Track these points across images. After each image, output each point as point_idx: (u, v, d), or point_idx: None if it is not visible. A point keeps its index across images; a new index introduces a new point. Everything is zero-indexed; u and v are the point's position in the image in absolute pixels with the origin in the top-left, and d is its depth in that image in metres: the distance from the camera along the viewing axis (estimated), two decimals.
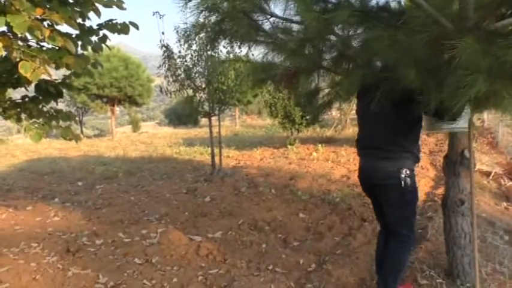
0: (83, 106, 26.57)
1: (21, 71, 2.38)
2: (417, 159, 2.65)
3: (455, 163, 2.83)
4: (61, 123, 3.67)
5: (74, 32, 3.14)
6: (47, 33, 2.37)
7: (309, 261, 3.70)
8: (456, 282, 2.84)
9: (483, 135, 11.21)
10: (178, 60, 7.50)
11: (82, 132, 26.32)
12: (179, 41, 7.45)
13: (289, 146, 11.29)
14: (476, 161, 7.58)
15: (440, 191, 5.67)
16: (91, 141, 21.53)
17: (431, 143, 10.40)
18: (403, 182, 2.53)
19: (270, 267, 3.59)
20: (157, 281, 3.35)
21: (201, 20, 3.31)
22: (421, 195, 5.68)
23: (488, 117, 14.44)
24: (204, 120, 28.63)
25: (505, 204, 5.81)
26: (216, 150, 8.24)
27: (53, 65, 2.78)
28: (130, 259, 3.77)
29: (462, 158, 2.79)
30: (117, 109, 26.18)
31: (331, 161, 8.97)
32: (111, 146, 16.63)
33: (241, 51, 6.60)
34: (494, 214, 5.05)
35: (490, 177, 6.92)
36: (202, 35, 6.66)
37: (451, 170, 2.86)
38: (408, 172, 2.53)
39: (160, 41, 7.39)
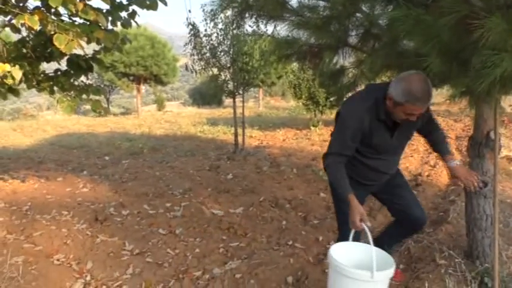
0: (110, 84, 27.04)
1: (56, 43, 2.48)
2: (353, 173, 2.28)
3: (479, 145, 2.80)
4: (91, 96, 3.81)
5: (105, 7, 3.23)
6: (80, 6, 2.46)
7: (328, 239, 3.76)
8: (475, 263, 2.85)
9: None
10: (204, 38, 7.54)
11: (108, 111, 26.79)
12: (205, 19, 7.47)
13: (312, 128, 11.26)
14: (504, 147, 7.40)
15: None
16: (117, 118, 21.99)
17: (458, 128, 10.17)
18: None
19: (290, 242, 3.67)
20: (181, 250, 3.50)
21: None
22: (445, 180, 5.63)
23: None
24: (227, 101, 28.72)
25: None
26: (239, 130, 8.32)
27: (85, 39, 2.87)
28: (155, 229, 3.92)
29: (487, 139, 2.75)
30: (143, 88, 26.55)
31: None
32: (137, 124, 16.96)
33: (266, 30, 6.59)
34: None
35: None
36: (228, 13, 6.72)
37: (476, 152, 2.83)
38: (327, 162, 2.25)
39: (187, 18, 7.44)
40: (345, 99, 2.69)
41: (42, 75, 3.78)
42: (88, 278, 2.95)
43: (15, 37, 3.85)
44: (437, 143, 2.49)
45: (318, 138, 9.77)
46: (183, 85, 77.08)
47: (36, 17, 2.48)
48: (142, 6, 3.42)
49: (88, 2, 3.00)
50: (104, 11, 3.29)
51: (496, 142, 2.58)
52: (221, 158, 7.66)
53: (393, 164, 2.44)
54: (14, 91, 3.68)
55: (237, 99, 8.15)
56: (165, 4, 3.45)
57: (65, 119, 20.93)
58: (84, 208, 4.43)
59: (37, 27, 2.50)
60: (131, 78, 23.43)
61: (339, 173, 2.15)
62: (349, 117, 2.12)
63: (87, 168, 6.88)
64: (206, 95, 32.97)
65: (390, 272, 1.89)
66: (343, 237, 2.31)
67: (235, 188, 5.36)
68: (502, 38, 1.71)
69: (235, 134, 8.26)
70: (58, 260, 3.22)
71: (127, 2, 3.47)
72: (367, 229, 1.98)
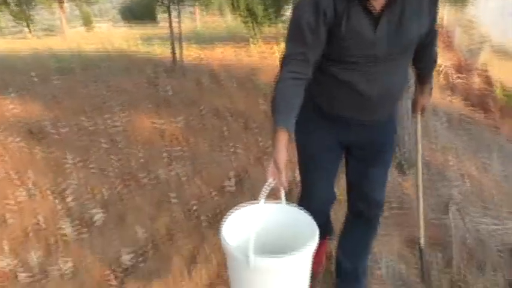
0: None
1: None
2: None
3: None
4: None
5: None
6: None
7: (267, 143, 3.97)
8: (395, 151, 3.23)
9: (441, 33, 11.50)
10: None
11: (30, 32, 24.25)
12: None
13: (250, 40, 11.17)
14: None
15: None
16: (40, 40, 20.16)
17: None
18: None
19: (231, 146, 3.85)
20: (124, 159, 3.56)
21: None
22: None
23: (448, 19, 14.65)
24: (161, 17, 27.11)
25: (449, 98, 6.32)
26: (177, 46, 8.06)
27: None
28: (96, 141, 3.91)
29: None
30: (66, 6, 24.17)
31: None
32: (64, 44, 15.72)
33: None
34: (439, 105, 5.48)
35: (441, 75, 7.31)
36: None
37: None
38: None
39: None
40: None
41: None
42: (30, 186, 2.95)
43: None
44: (424, 72, 1.82)
45: (256, 52, 9.77)
46: (113, 4, 71.28)
47: None
48: None
49: None
50: None
51: None
52: (159, 75, 7.48)
53: (381, 86, 1.45)
54: None
55: (172, 15, 7.77)
56: None
57: None
58: (17, 126, 4.27)
59: None
60: None
61: (280, 91, 1.38)
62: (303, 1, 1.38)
63: (13, 88, 6.42)
64: (137, 11, 30.81)
65: (290, 259, 1.15)
66: (302, 200, 1.72)
67: (176, 101, 5.35)
68: None
69: (173, 50, 8.00)
70: None
71: None
72: (267, 184, 1.30)
